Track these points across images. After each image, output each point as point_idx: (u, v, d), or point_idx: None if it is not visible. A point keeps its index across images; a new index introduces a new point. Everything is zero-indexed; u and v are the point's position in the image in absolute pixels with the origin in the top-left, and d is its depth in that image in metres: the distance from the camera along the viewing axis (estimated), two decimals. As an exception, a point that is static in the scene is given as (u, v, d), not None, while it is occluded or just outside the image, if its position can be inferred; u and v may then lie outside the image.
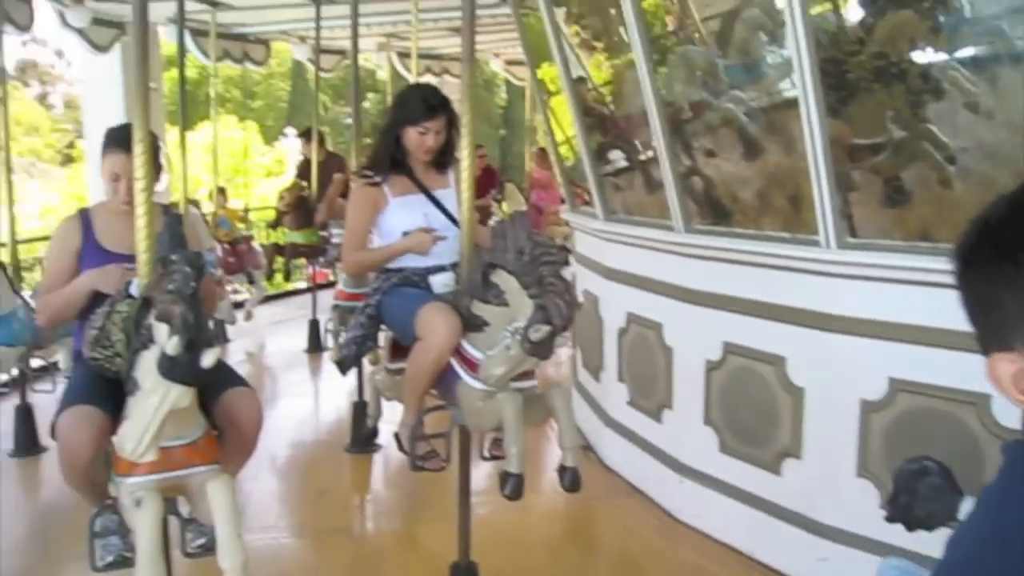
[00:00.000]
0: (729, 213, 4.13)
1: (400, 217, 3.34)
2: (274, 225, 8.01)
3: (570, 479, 2.89)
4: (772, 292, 3.61)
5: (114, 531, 2.73)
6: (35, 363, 5.44)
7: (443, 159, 3.44)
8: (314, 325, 7.83)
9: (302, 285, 10.00)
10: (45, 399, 5.49)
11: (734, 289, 3.81)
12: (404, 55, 11.40)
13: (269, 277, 8.41)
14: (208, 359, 2.28)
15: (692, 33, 4.60)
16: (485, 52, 12.13)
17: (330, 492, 4.80)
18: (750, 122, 3.94)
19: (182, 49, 7.58)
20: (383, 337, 3.45)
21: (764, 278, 3.65)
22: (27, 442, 5.32)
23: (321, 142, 8.10)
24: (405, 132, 3.36)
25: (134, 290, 2.70)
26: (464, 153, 3.04)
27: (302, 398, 6.81)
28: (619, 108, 5.20)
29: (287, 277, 8.40)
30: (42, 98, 30.52)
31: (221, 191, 8.58)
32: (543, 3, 5.11)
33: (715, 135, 4.20)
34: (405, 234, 3.29)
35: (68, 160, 27.01)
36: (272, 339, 8.62)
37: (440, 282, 3.27)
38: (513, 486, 2.82)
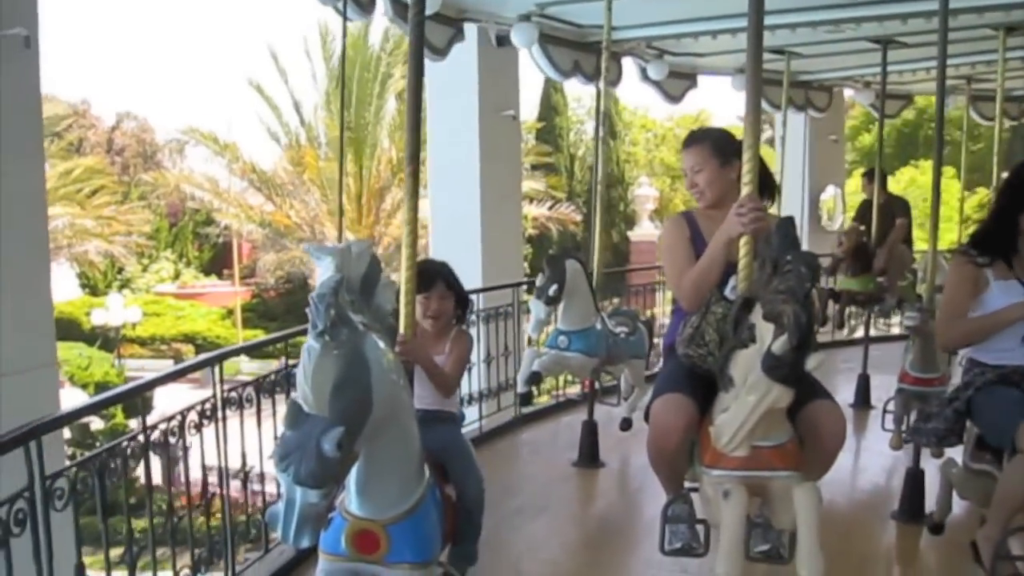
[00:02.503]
0: None
1: (1003, 303, 3.06)
2: (831, 270, 7.82)
3: None
4: None
5: (684, 519, 2.91)
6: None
7: None
8: (864, 380, 7.46)
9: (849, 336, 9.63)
10: (607, 419, 6.10)
11: None
12: (978, 98, 10.59)
13: (822, 324, 8.24)
14: (813, 362, 2.29)
15: None
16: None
17: (872, 561, 4.49)
18: None
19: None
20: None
21: None
22: (590, 455, 5.84)
23: (884, 184, 7.76)
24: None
25: (729, 293, 2.80)
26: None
27: (843, 454, 6.50)
28: None
29: (840, 325, 8.13)
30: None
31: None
32: None
33: None
34: None
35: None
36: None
37: None
38: None
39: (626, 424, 5.91)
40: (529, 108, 25.97)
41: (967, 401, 3.10)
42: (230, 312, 24.34)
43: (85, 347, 20.18)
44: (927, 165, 22.38)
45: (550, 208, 21.78)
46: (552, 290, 5.12)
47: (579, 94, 29.51)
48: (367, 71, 19.87)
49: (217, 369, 3.63)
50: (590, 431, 5.88)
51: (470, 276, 6.94)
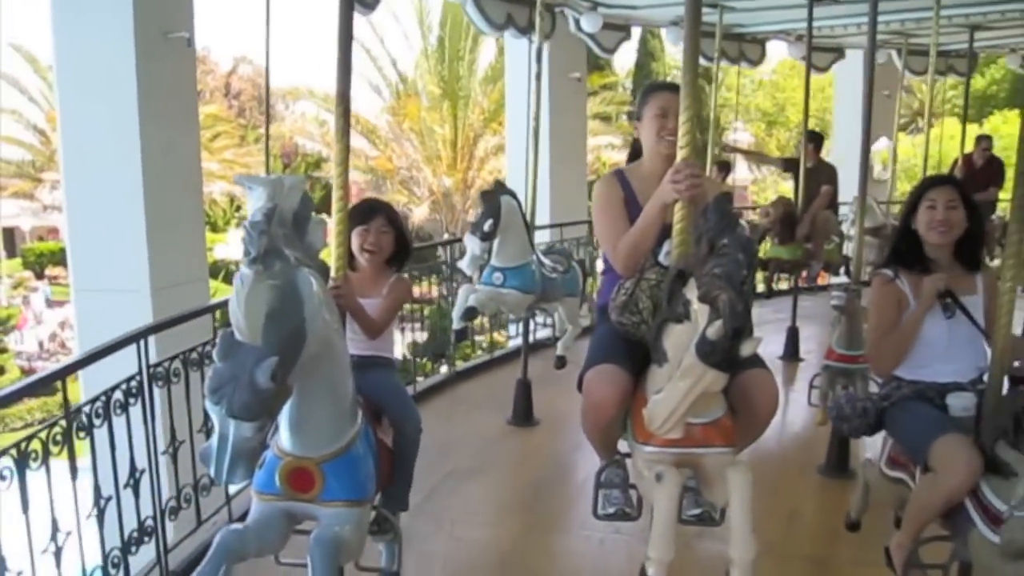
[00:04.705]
0: None
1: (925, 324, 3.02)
2: (758, 240, 7.78)
3: None
4: None
5: (617, 485, 2.91)
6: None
7: (971, 254, 3.08)
8: (793, 332, 7.61)
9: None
10: (541, 376, 6.10)
11: None
12: (910, 52, 10.76)
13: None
14: (748, 348, 2.26)
15: None
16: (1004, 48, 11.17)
17: (799, 515, 4.60)
18: None
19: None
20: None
21: None
22: (524, 413, 5.90)
23: (818, 148, 7.81)
24: (916, 214, 3.05)
25: (663, 258, 2.74)
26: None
27: (771, 407, 6.62)
28: None
29: (769, 295, 8.20)
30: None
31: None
32: None
33: None
34: None
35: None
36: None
37: (960, 405, 2.89)
38: None
39: (560, 362, 5.91)
40: (628, 52, 26.60)
41: (880, 413, 3.09)
42: (340, 247, 27.06)
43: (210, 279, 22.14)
44: (1012, 115, 21.62)
45: (631, 154, 23.84)
46: (487, 225, 5.08)
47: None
48: (458, 28, 21.55)
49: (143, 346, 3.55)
50: (524, 389, 5.91)
51: (539, 218, 8.08)
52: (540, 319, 6.28)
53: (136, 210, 6.14)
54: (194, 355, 3.90)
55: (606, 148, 22.38)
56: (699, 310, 2.31)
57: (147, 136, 6.11)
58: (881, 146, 11.97)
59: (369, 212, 3.28)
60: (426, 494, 4.53)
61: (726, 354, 2.26)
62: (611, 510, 2.94)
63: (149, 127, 6.12)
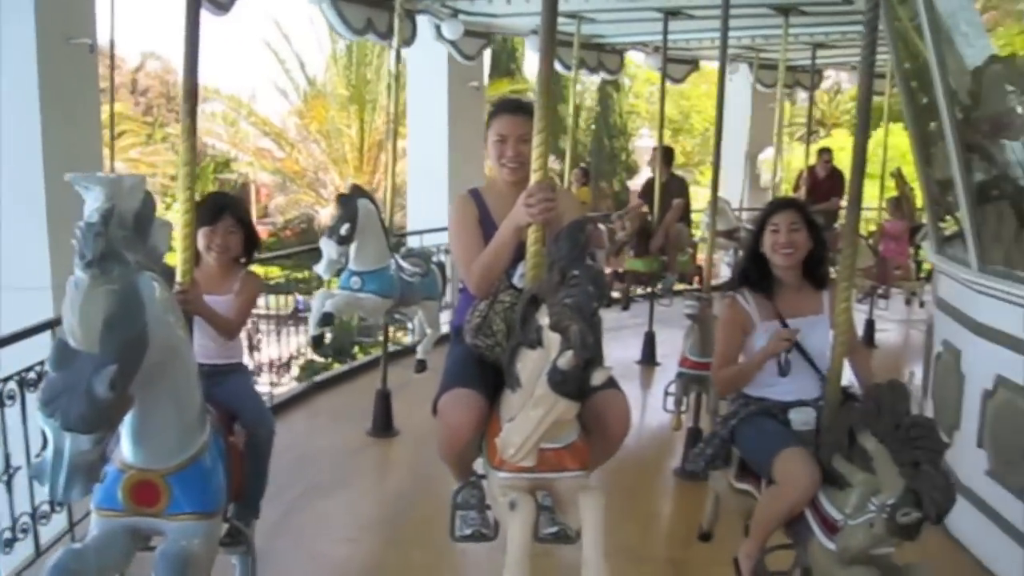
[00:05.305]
0: None
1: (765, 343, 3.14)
2: (615, 252, 7.93)
3: None
4: None
5: (474, 506, 2.89)
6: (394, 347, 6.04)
7: (817, 272, 3.21)
8: (649, 337, 7.81)
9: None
10: (400, 384, 6.03)
11: None
12: (762, 66, 11.23)
13: (607, 305, 8.46)
14: (599, 378, 2.29)
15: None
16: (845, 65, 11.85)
17: (656, 517, 4.72)
18: None
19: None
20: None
21: None
22: (384, 424, 5.83)
23: (668, 162, 8.04)
24: (763, 236, 3.17)
25: (517, 280, 2.73)
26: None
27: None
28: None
29: (626, 307, 8.37)
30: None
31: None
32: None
33: None
34: None
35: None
36: (605, 347, 8.63)
37: (800, 420, 3.04)
38: None
39: (420, 366, 5.88)
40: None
41: (732, 431, 3.21)
42: (248, 249, 26.92)
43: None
44: (896, 127, 22.86)
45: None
46: (344, 229, 5.02)
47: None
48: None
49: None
50: (383, 399, 5.85)
51: (437, 221, 8.16)
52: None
53: (38, 208, 6.35)
54: (31, 374, 3.67)
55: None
56: (551, 336, 2.32)
57: (49, 137, 6.37)
58: (766, 155, 12.47)
59: (217, 212, 3.17)
60: (283, 510, 4.42)
61: (578, 383, 2.29)
62: (468, 531, 2.91)
63: (51, 129, 6.38)
